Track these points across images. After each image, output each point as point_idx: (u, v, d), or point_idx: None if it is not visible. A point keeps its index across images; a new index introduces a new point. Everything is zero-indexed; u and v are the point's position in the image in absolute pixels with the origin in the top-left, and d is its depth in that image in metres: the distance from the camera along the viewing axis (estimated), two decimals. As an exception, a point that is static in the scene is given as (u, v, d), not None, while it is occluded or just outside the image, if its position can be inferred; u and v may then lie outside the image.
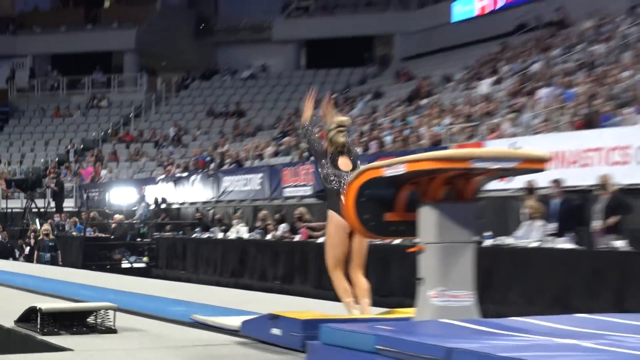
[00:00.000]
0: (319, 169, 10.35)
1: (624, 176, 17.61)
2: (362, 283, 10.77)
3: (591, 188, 18.13)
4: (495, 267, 16.11)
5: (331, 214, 10.31)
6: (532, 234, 16.76)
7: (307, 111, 10.54)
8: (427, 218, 9.79)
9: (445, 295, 9.70)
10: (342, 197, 9.29)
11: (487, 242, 16.91)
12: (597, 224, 16.66)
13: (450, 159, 10.19)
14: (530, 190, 18.09)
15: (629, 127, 19.12)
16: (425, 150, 20.36)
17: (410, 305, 10.22)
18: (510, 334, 7.51)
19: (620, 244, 14.85)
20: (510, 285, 15.88)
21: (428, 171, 9.67)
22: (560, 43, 32.12)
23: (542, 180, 17.55)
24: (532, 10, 38.58)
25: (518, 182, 18.29)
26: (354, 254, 10.47)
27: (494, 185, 18.19)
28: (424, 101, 32.94)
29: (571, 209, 18.01)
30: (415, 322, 9.34)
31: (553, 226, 17.29)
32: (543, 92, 25.40)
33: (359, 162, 10.45)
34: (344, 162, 10.36)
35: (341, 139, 10.25)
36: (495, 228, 18.30)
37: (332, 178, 10.25)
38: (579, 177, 18.76)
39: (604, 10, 32.75)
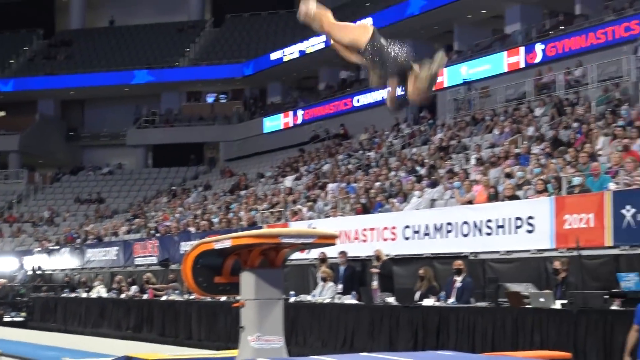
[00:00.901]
0: None
1: (393, 249, 17.79)
2: None
3: (369, 258, 18.31)
4: (298, 317, 16.03)
5: None
6: (325, 293, 16.76)
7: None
8: (247, 280, 9.70)
9: (260, 340, 9.59)
10: None
11: (292, 299, 16.80)
12: (374, 284, 16.75)
13: (264, 235, 10.19)
14: (323, 259, 18.12)
15: (395, 213, 19.37)
16: (245, 229, 20.28)
17: (234, 348, 10.04)
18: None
19: (391, 299, 14.94)
20: (310, 332, 15.80)
21: (248, 245, 9.61)
22: (343, 150, 32.59)
23: (332, 251, 17.62)
24: (322, 126, 39.11)
25: (314, 253, 18.31)
26: None
27: (297, 255, 18.18)
28: (243, 192, 32.85)
29: (354, 273, 18.10)
30: (238, 360, 9.19)
31: (341, 286, 17.34)
32: (332, 186, 25.63)
33: None
34: None
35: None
36: (298, 288, 18.26)
37: None
38: (359, 250, 18.88)
39: (375, 126, 33.45)
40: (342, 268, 18.04)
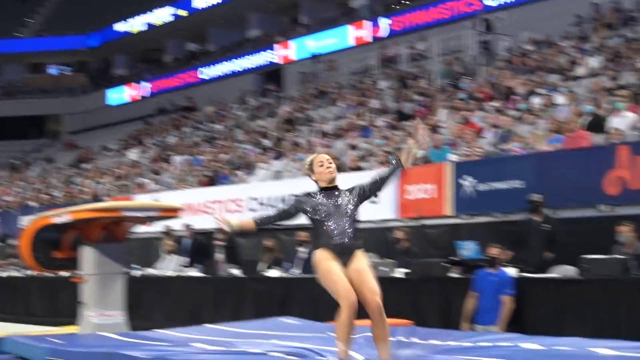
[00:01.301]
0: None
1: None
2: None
3: (214, 230, 18.24)
4: (143, 292, 15.77)
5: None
6: (170, 266, 16.56)
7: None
8: (87, 255, 9.49)
9: (102, 315, 9.41)
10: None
11: (136, 273, 16.51)
12: (219, 257, 16.61)
13: (105, 209, 9.97)
14: (168, 232, 17.90)
15: (241, 185, 19.30)
16: (87, 203, 19.83)
17: (75, 324, 9.81)
18: (154, 343, 7.36)
19: (236, 271, 14.88)
20: (154, 305, 15.59)
21: (88, 219, 9.38)
22: (190, 122, 32.27)
23: (177, 224, 17.44)
24: (168, 98, 38.65)
25: (160, 226, 18.07)
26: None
27: (141, 228, 17.88)
28: (87, 165, 32.15)
29: (199, 246, 17.94)
30: (79, 335, 8.99)
31: (186, 259, 17.18)
32: (177, 159, 25.36)
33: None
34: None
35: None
36: (142, 262, 18.00)
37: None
38: (205, 222, 18.73)
39: (222, 99, 33.25)
40: (187, 241, 17.87)
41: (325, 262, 6.46)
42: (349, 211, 6.57)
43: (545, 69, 19.74)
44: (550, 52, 20.91)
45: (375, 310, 6.31)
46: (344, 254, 6.50)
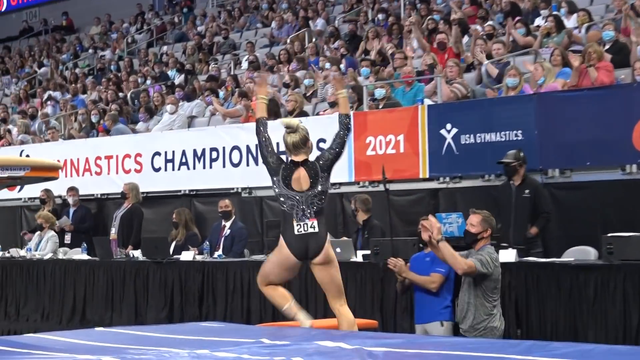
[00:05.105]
0: (273, 185, 8.93)
1: (139, 184, 17.33)
2: (346, 316, 8.97)
3: (106, 196, 18.06)
4: (8, 280, 15.58)
5: (280, 241, 8.98)
6: (45, 246, 16.33)
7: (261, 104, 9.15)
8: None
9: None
10: (295, 223, 8.71)
11: (-3, 255, 16.31)
12: (112, 233, 16.38)
13: (-47, 166, 9.70)
14: (45, 199, 17.67)
15: (141, 135, 19.01)
16: None
17: None
18: (28, 352, 7.16)
19: (136, 252, 14.64)
20: (25, 299, 15.37)
21: None
22: (68, 48, 31.81)
23: (55, 188, 17.21)
24: (37, 15, 38.08)
25: (30, 191, 17.90)
26: (323, 287, 9.05)
27: (4, 194, 17.64)
28: None
29: (85, 218, 17.70)
30: None
31: (68, 237, 16.98)
32: (53, 97, 24.96)
33: (323, 175, 8.78)
34: (299, 179, 8.78)
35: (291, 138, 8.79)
36: (6, 240, 17.75)
37: (282, 199, 8.81)
38: (93, 186, 18.48)
39: (110, 15, 32.83)
40: (71, 210, 17.65)
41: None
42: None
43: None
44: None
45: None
46: None
